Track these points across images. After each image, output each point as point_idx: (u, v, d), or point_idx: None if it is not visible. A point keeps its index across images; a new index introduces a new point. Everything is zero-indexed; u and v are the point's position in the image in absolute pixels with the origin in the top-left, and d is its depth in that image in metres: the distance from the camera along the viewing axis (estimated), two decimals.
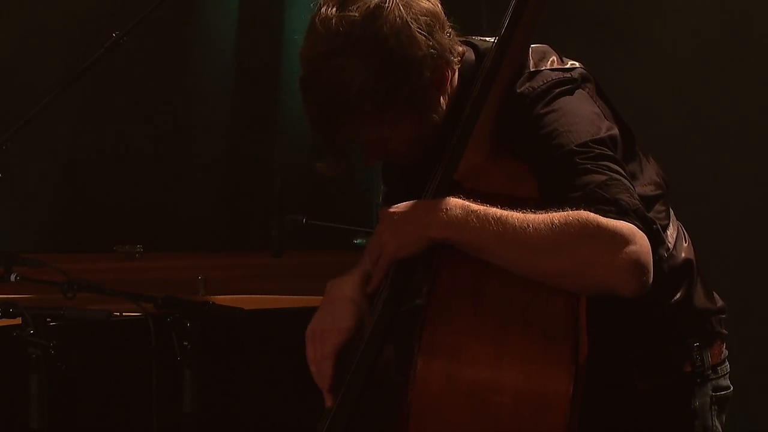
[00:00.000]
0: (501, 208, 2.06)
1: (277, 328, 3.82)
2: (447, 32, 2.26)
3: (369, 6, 2.18)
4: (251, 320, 3.57)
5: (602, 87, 2.34)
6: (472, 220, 2.06)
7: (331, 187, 4.76)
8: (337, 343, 2.25)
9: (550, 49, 2.32)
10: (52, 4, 4.61)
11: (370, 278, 2.24)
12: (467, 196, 2.10)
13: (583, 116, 2.18)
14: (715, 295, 2.44)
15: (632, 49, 4.41)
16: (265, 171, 4.94)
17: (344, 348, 2.25)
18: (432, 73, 2.21)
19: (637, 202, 2.07)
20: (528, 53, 2.27)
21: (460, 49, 2.31)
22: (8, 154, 3.34)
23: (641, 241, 2.01)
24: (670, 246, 2.31)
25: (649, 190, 2.30)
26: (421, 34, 2.19)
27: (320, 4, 2.22)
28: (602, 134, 2.15)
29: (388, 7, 2.18)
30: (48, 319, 3.27)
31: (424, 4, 2.22)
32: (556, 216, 2.02)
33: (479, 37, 2.37)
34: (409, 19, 2.18)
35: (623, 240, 2.00)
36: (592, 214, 2.01)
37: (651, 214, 2.14)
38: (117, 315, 3.49)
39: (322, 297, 2.31)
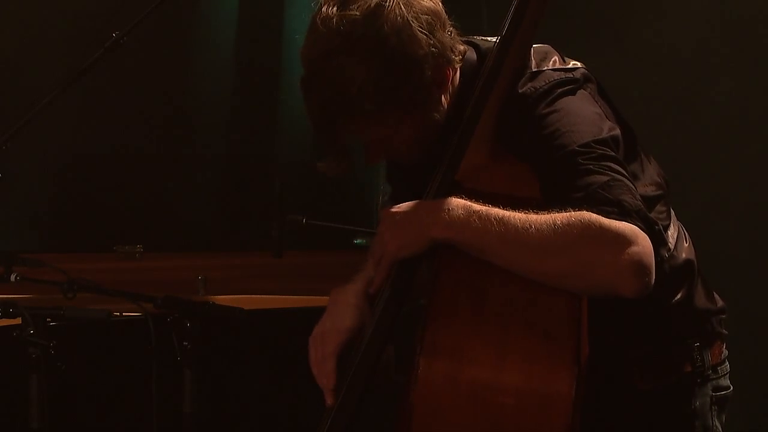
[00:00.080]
0: (502, 209, 2.05)
1: (277, 328, 3.83)
2: (448, 31, 2.25)
3: (370, 5, 2.17)
4: (251, 320, 3.57)
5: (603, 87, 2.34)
6: (474, 220, 2.05)
7: (332, 187, 4.75)
8: (338, 343, 2.25)
9: (552, 49, 2.32)
10: (52, 4, 4.60)
11: (372, 281, 2.24)
12: (468, 196, 2.09)
13: (585, 117, 2.17)
14: (716, 295, 2.44)
15: (632, 49, 4.41)
16: (265, 171, 4.93)
17: (345, 348, 2.25)
18: (433, 72, 2.21)
19: (639, 203, 2.06)
20: (530, 53, 2.26)
21: (462, 48, 2.30)
22: (8, 154, 3.33)
23: (643, 242, 2.01)
24: (671, 246, 2.31)
25: (650, 190, 2.30)
26: (422, 32, 2.18)
27: (321, 4, 2.22)
28: (604, 134, 2.15)
29: (389, 6, 2.17)
30: (48, 319, 3.27)
31: (425, 3, 2.21)
32: (559, 217, 2.02)
33: (481, 37, 2.36)
34: (410, 18, 2.17)
35: (625, 241, 1.99)
36: (594, 215, 2.01)
37: (652, 215, 2.14)
38: (117, 315, 3.49)
39: (322, 297, 2.31)
